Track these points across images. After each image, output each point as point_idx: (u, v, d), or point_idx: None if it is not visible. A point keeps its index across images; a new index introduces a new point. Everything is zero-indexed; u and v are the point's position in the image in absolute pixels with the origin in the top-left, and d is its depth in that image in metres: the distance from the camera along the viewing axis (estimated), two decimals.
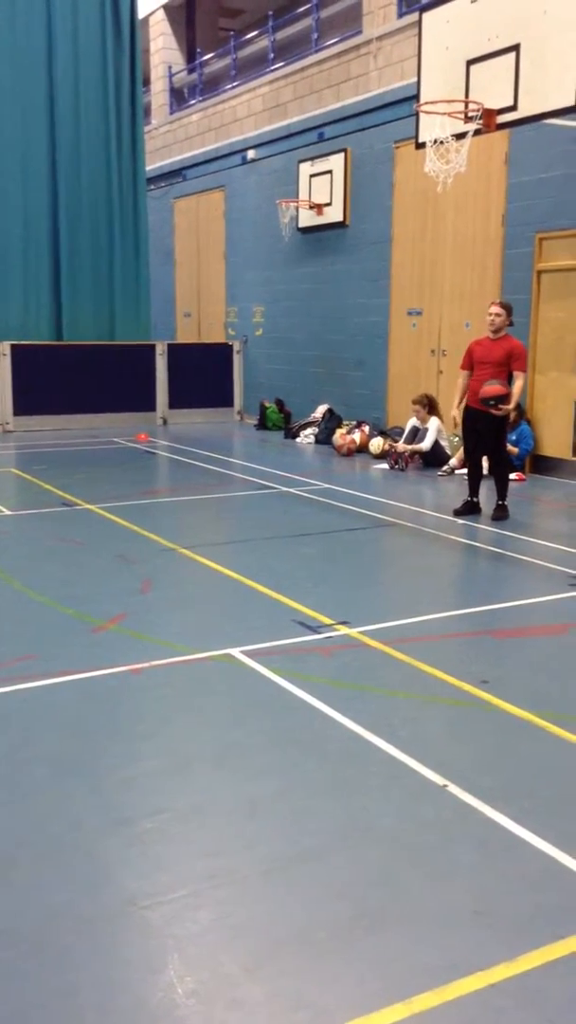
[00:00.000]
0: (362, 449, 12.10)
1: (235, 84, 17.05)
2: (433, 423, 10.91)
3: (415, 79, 9.77)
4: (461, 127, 8.91)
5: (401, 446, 11.03)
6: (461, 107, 8.89)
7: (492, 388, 7.89)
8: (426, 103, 9.21)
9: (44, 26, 15.11)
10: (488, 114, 8.70)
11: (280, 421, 14.96)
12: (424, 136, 9.34)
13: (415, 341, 12.54)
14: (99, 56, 15.62)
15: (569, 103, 8.03)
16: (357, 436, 12.26)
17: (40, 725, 3.99)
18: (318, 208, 13.98)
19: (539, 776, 3.57)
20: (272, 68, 15.86)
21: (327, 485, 9.81)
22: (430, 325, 12.25)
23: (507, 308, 8.13)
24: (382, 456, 11.40)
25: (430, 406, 10.96)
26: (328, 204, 13.80)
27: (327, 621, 5.35)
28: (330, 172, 13.68)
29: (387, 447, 11.34)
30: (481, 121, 8.74)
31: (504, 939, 2.60)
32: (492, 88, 8.64)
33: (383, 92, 12.66)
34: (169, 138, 19.27)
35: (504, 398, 7.92)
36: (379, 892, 2.83)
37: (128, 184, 16.21)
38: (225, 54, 18.51)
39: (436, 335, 12.15)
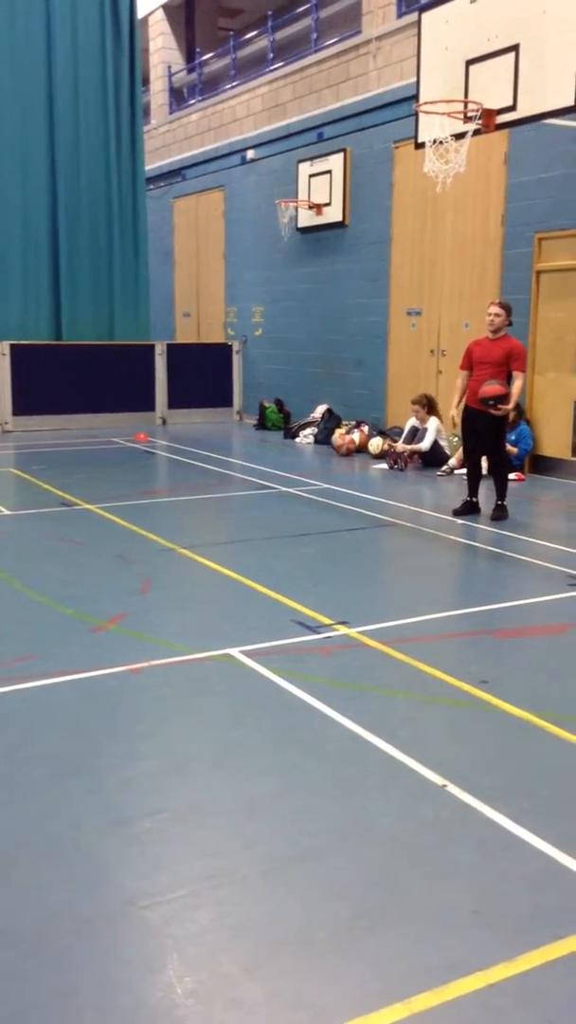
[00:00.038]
0: (361, 449, 12.10)
1: (234, 84, 17.05)
2: (432, 423, 10.91)
3: (414, 79, 9.77)
4: (460, 127, 8.92)
5: (400, 446, 11.03)
6: (460, 107, 8.89)
7: (491, 388, 7.90)
8: (425, 103, 9.21)
9: (43, 26, 15.11)
10: (487, 114, 8.71)
11: (279, 421, 14.96)
12: (423, 136, 9.34)
13: (414, 341, 12.54)
14: (98, 56, 15.62)
15: (568, 103, 8.03)
16: (356, 436, 12.26)
17: (39, 725, 3.99)
18: (317, 208, 13.98)
19: (538, 776, 3.57)
20: (271, 68, 15.86)
21: (326, 485, 9.81)
22: (429, 325, 12.25)
23: (506, 308, 8.13)
24: (381, 456, 11.40)
25: (429, 406, 10.96)
26: (327, 204, 13.80)
27: (326, 621, 5.35)
28: (329, 172, 13.69)
29: (386, 447, 11.34)
30: (480, 121, 8.74)
31: (503, 939, 2.60)
32: (491, 88, 8.64)
33: (382, 92, 12.67)
34: (168, 138, 19.27)
35: (503, 398, 7.92)
36: (378, 892, 2.83)
37: (127, 184, 16.21)
38: (224, 54, 18.51)
39: (435, 335, 12.15)
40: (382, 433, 12.09)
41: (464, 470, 8.90)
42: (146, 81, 19.95)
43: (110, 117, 15.80)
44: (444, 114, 8.91)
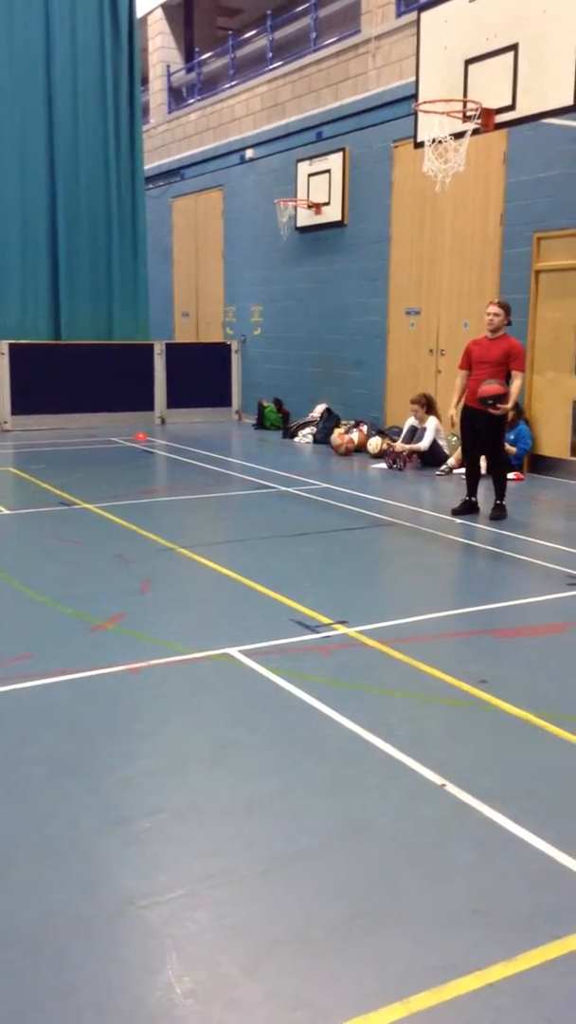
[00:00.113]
0: (360, 449, 12.10)
1: (233, 83, 17.04)
2: (431, 423, 10.91)
3: (413, 78, 9.76)
4: (459, 126, 8.91)
5: (399, 445, 11.03)
6: (459, 106, 8.89)
7: (490, 388, 7.90)
8: (424, 102, 9.20)
9: (42, 25, 15.11)
10: (486, 113, 8.70)
11: (278, 421, 14.96)
12: (422, 135, 9.34)
13: (413, 341, 12.54)
14: (97, 55, 15.61)
15: (567, 103, 8.03)
16: (355, 436, 12.27)
17: (38, 724, 3.99)
18: (316, 207, 13.98)
19: (537, 776, 3.57)
20: (270, 67, 15.85)
21: (325, 484, 9.81)
22: (428, 325, 12.25)
23: (505, 308, 8.13)
24: (380, 455, 11.40)
25: (428, 406, 10.96)
26: (326, 203, 13.80)
27: (325, 620, 5.35)
28: (328, 171, 13.68)
29: (385, 446, 11.34)
30: (479, 120, 8.74)
31: (502, 939, 2.60)
32: (490, 88, 8.64)
33: (381, 91, 12.66)
34: (167, 137, 19.26)
35: (502, 397, 7.92)
36: (377, 892, 2.83)
37: (126, 183, 16.20)
38: (223, 53, 18.50)
39: (434, 335, 12.15)
40: (381, 433, 12.09)
41: (463, 469, 8.90)
42: (145, 80, 19.93)
43: (109, 116, 15.79)
44: (443, 113, 8.91)
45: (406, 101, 11.11)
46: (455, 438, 10.06)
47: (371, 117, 12.88)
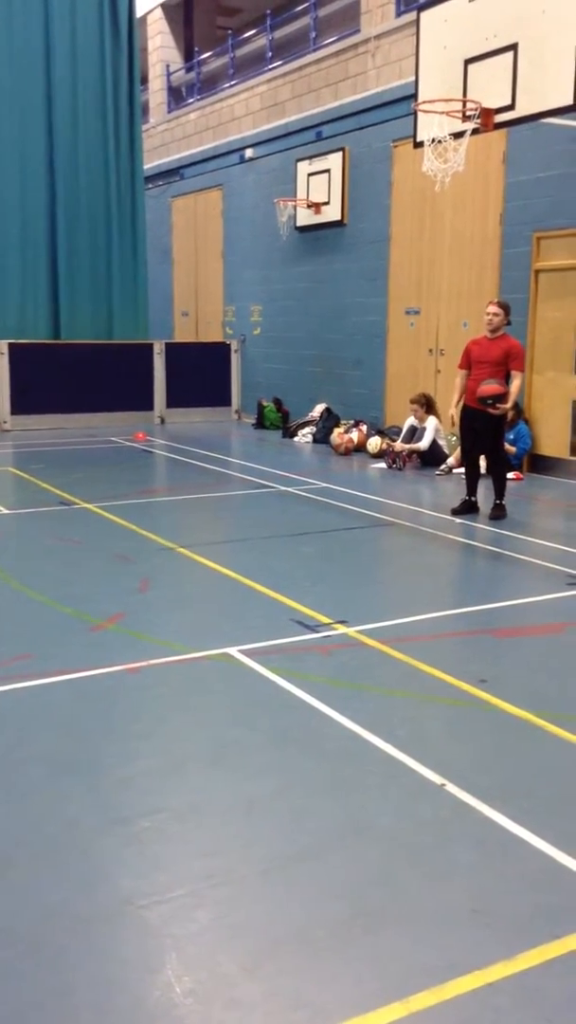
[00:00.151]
0: (360, 448, 12.10)
1: (233, 83, 17.04)
2: (431, 422, 10.91)
3: (413, 78, 9.76)
4: (459, 126, 8.91)
5: (399, 445, 11.03)
6: (459, 106, 8.88)
7: (489, 387, 7.90)
8: (424, 102, 9.20)
9: (42, 25, 15.10)
10: (486, 113, 8.70)
11: (278, 420, 14.96)
12: (422, 135, 9.34)
13: (413, 340, 12.54)
14: (97, 55, 15.61)
15: (567, 102, 8.03)
16: (355, 435, 12.26)
17: (37, 724, 3.98)
18: (316, 207, 13.98)
19: (537, 775, 3.56)
20: (270, 67, 15.85)
21: (325, 484, 9.81)
22: (428, 324, 12.25)
23: (505, 307, 8.13)
24: (380, 455, 11.40)
25: (428, 405, 10.96)
26: (326, 203, 13.80)
27: (325, 620, 5.35)
28: (328, 171, 13.68)
29: (385, 446, 11.34)
30: (479, 120, 8.73)
31: (502, 938, 2.60)
32: (490, 87, 8.64)
33: (381, 91, 12.66)
34: (167, 137, 19.25)
35: (501, 397, 7.92)
36: (377, 891, 2.83)
37: (126, 183, 16.20)
38: (223, 53, 18.49)
39: (434, 334, 12.15)
40: (380, 432, 12.09)
41: (462, 469, 8.90)
42: (144, 80, 19.93)
43: (109, 116, 15.79)
44: (443, 113, 8.91)
45: (406, 101, 11.11)
46: (455, 438, 10.06)
47: (371, 117, 12.88)
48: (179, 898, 2.78)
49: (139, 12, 17.32)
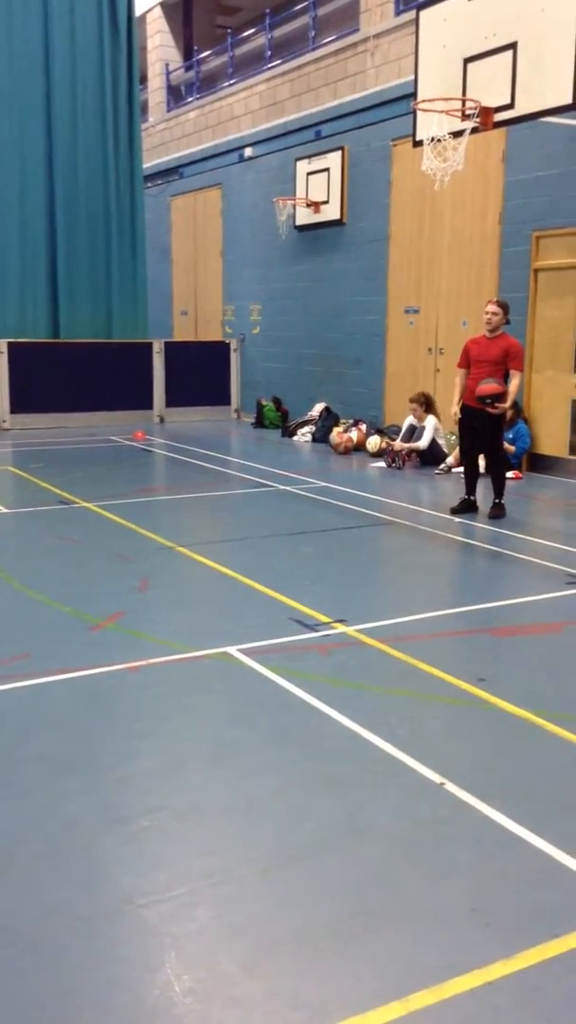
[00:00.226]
0: (359, 447, 12.11)
1: (232, 82, 17.03)
2: (430, 421, 10.91)
3: (412, 77, 9.76)
4: (458, 125, 8.91)
5: (398, 444, 11.03)
6: (458, 105, 8.89)
7: (488, 387, 7.90)
8: (423, 101, 9.20)
9: (41, 24, 15.09)
10: (485, 112, 8.70)
11: (277, 419, 14.96)
12: (421, 134, 9.34)
13: (412, 339, 12.54)
14: (96, 54, 15.60)
15: (566, 101, 8.03)
16: (354, 434, 12.27)
17: (37, 723, 3.99)
18: (315, 206, 13.98)
19: (536, 774, 3.57)
20: (269, 66, 15.84)
21: (324, 483, 9.81)
22: (427, 323, 12.25)
23: (504, 306, 8.13)
24: (379, 454, 11.40)
25: (427, 404, 10.96)
26: (325, 202, 13.80)
27: (324, 619, 5.35)
28: (327, 170, 13.68)
29: (384, 445, 11.34)
30: (478, 119, 8.73)
31: (501, 937, 2.61)
32: (489, 86, 8.64)
33: (380, 90, 12.66)
34: (166, 136, 19.25)
35: (500, 397, 7.92)
36: (376, 890, 2.83)
37: (125, 182, 16.19)
38: (222, 52, 18.49)
39: (433, 333, 12.15)
40: (380, 431, 12.09)
41: (461, 468, 8.90)
42: (144, 79, 19.93)
43: (108, 115, 15.78)
44: (442, 112, 8.91)
45: (405, 100, 11.11)
46: (454, 437, 10.05)
47: (370, 116, 12.88)
48: (179, 897, 2.79)
49: (138, 11, 17.31)
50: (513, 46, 8.40)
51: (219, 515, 8.65)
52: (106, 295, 16.13)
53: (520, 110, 8.49)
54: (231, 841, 3.09)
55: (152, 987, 2.42)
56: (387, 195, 12.71)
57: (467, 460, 8.49)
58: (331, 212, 13.72)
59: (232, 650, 4.84)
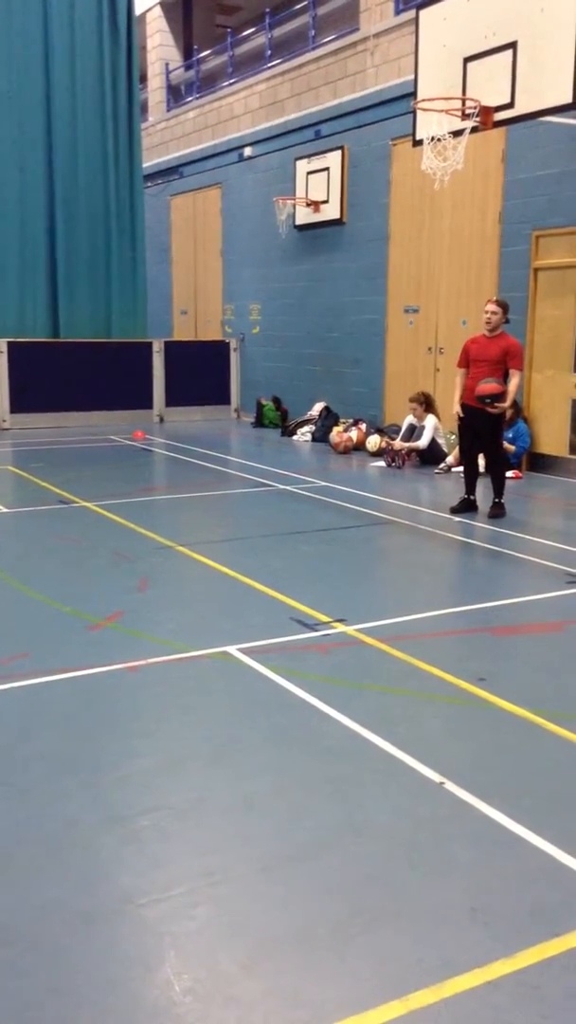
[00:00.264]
0: (359, 447, 12.11)
1: (232, 81, 17.03)
2: (430, 421, 10.91)
3: (412, 76, 9.77)
4: (458, 124, 8.92)
5: (398, 444, 11.03)
6: (458, 104, 8.89)
7: (488, 386, 7.90)
8: (423, 100, 9.20)
9: (41, 23, 15.09)
10: (485, 111, 8.70)
11: (277, 419, 14.96)
12: (421, 133, 9.34)
13: (412, 339, 12.54)
14: (96, 53, 15.60)
15: (566, 100, 8.04)
16: (354, 434, 12.26)
17: (36, 723, 3.98)
18: (315, 205, 13.97)
19: (536, 773, 3.57)
20: (269, 65, 15.84)
21: (324, 483, 9.81)
22: (427, 323, 12.25)
23: (503, 306, 8.12)
24: (379, 454, 11.40)
25: (427, 404, 10.96)
26: (325, 201, 13.80)
27: (324, 619, 5.35)
28: (327, 169, 13.68)
29: (384, 445, 11.34)
30: (478, 118, 8.74)
31: (501, 936, 2.61)
32: (489, 85, 8.64)
33: (380, 89, 12.65)
34: (166, 135, 19.24)
35: (500, 396, 7.92)
36: (376, 890, 2.83)
37: (125, 181, 16.19)
38: (222, 51, 18.49)
39: (433, 333, 12.15)
40: (380, 431, 12.09)
41: (461, 468, 8.90)
42: (144, 78, 19.92)
43: (107, 114, 15.78)
44: (442, 111, 8.91)
45: (405, 99, 11.11)
46: (453, 436, 10.05)
47: (370, 115, 12.88)
48: (178, 896, 2.78)
49: (138, 10, 17.31)
50: (513, 45, 8.41)
51: (219, 514, 8.65)
52: (106, 295, 16.13)
53: (520, 109, 8.50)
54: (231, 840, 3.09)
55: (151, 986, 2.42)
56: (387, 195, 12.71)
57: (467, 459, 8.48)
58: (331, 212, 13.72)
59: (232, 649, 4.84)
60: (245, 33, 18.83)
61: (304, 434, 13.53)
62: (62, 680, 4.44)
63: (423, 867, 2.94)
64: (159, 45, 20.36)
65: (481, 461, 8.53)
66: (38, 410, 14.80)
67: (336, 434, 12.35)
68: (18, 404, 14.68)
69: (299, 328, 14.92)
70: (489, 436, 8.19)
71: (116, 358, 15.50)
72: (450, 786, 3.42)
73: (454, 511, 8.30)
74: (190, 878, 2.88)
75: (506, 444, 9.67)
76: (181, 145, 18.50)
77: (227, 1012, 2.32)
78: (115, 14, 15.79)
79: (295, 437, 13.62)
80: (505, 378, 7.99)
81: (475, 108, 8.70)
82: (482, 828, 3.16)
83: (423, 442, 10.86)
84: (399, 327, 12.76)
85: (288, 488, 9.52)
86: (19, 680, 4.42)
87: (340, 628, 5.20)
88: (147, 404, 15.76)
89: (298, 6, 16.59)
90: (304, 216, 14.27)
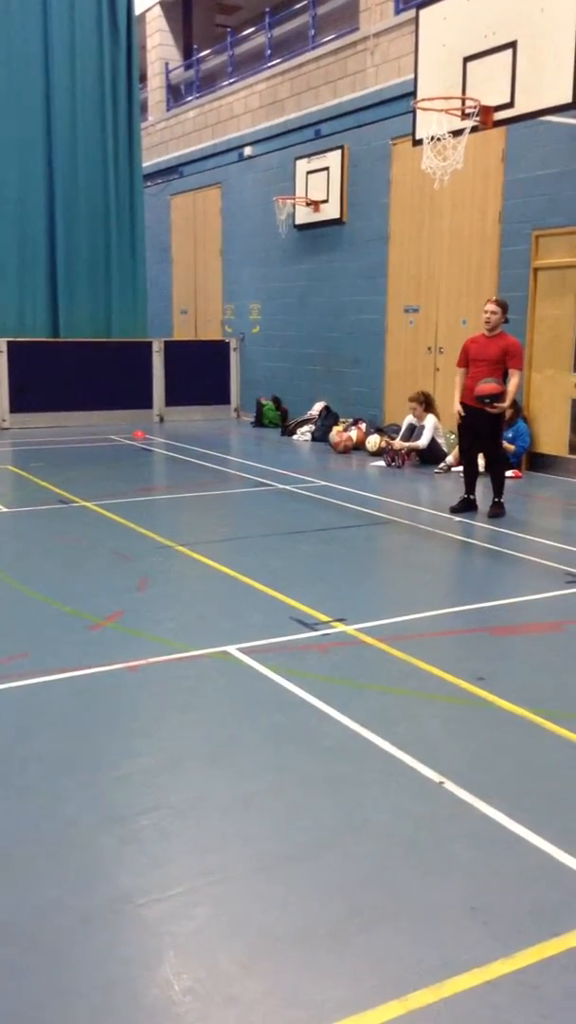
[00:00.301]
0: (359, 446, 12.11)
1: (232, 81, 17.03)
2: (430, 420, 10.91)
3: (412, 76, 9.77)
4: (458, 124, 8.92)
5: (398, 443, 11.03)
6: (458, 104, 8.89)
7: (487, 386, 7.90)
8: (423, 100, 9.20)
9: (40, 23, 15.09)
10: (485, 111, 8.70)
11: (276, 418, 14.96)
12: (421, 133, 9.34)
13: (412, 338, 12.54)
14: (96, 53, 15.60)
15: (566, 100, 8.04)
16: (354, 433, 12.26)
17: (36, 722, 3.98)
18: (315, 205, 13.97)
19: (535, 773, 3.57)
20: (269, 65, 15.83)
21: (324, 482, 9.81)
22: (427, 322, 12.25)
23: (503, 305, 8.12)
24: (379, 453, 11.40)
25: (427, 403, 10.96)
26: (325, 201, 13.80)
27: (324, 618, 5.35)
28: (327, 169, 13.68)
29: (384, 444, 11.34)
30: (478, 118, 8.74)
31: (500, 936, 2.60)
32: (489, 85, 8.64)
33: (380, 89, 12.65)
34: (166, 135, 19.24)
35: (499, 396, 7.92)
36: (375, 889, 2.83)
37: (124, 181, 16.19)
38: (222, 50, 18.48)
39: (433, 332, 12.15)
40: (379, 430, 12.09)
41: (461, 467, 8.90)
42: (143, 78, 19.92)
43: (107, 114, 15.78)
44: (442, 111, 8.91)
45: (404, 98, 11.11)
46: (453, 436, 10.05)
47: (369, 115, 12.87)
48: (177, 896, 2.78)
49: (138, 10, 17.31)
50: (513, 45, 8.41)
51: (218, 514, 8.65)
52: (106, 294, 16.13)
53: (520, 109, 8.50)
54: (230, 840, 3.09)
55: (151, 986, 2.42)
56: (387, 194, 12.71)
57: (466, 459, 8.48)
58: (331, 211, 13.72)
59: (231, 649, 4.84)
60: (245, 33, 18.82)
61: (304, 434, 13.53)
62: (61, 680, 4.44)
63: (423, 867, 2.94)
64: (159, 45, 20.36)
65: (481, 461, 8.53)
66: (38, 410, 14.80)
67: (336, 434, 12.36)
68: (18, 404, 14.68)
69: (299, 328, 14.92)
70: (489, 436, 8.19)
71: (116, 358, 15.50)
72: (450, 785, 3.42)
73: (454, 511, 8.30)
74: (189, 878, 2.88)
75: (506, 444, 9.67)
76: (181, 145, 18.50)
77: (226, 1012, 2.32)
78: (115, 14, 15.79)
79: (295, 437, 13.62)
80: (504, 378, 7.99)
81: (475, 108, 8.70)
82: (482, 828, 3.16)
83: (423, 442, 10.86)
84: (399, 327, 12.76)
85: (288, 488, 9.52)
86: (18, 680, 4.42)
87: (340, 628, 5.20)
88: (147, 404, 15.76)
89: (298, 6, 16.59)
90: (304, 216, 14.27)
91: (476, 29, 8.73)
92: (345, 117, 13.39)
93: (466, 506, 8.34)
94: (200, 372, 16.34)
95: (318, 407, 13.80)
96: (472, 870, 2.92)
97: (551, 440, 10.59)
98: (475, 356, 8.11)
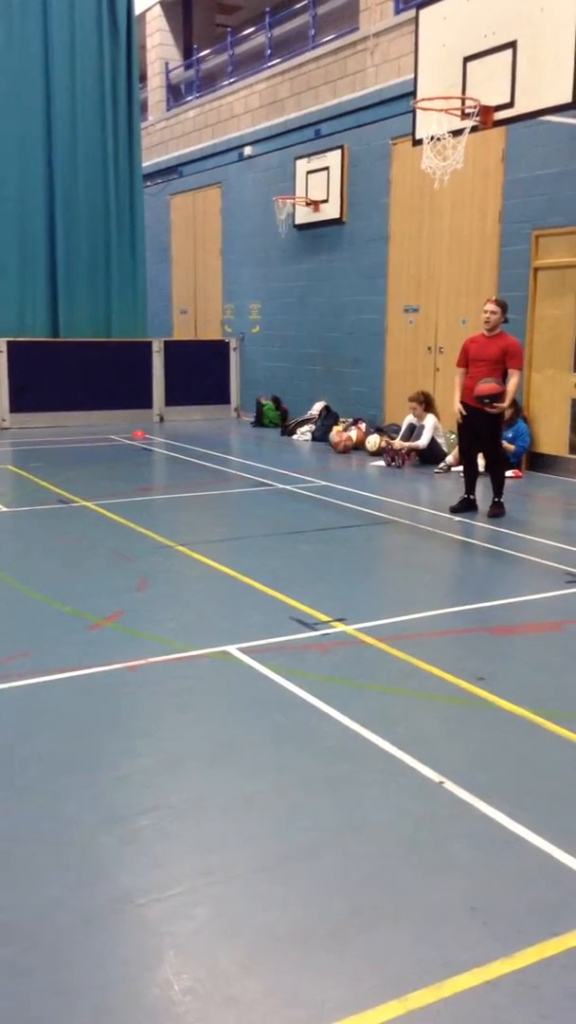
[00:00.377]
0: (359, 446, 12.11)
1: (232, 80, 17.02)
2: (430, 420, 10.91)
3: (412, 76, 9.77)
4: (458, 124, 8.92)
5: (398, 443, 11.03)
6: (458, 104, 8.89)
7: (487, 386, 7.90)
8: (423, 100, 9.20)
9: (40, 23, 15.09)
10: (485, 111, 8.70)
11: (276, 418, 14.96)
12: (421, 133, 9.34)
13: (412, 338, 12.54)
14: (95, 52, 15.60)
15: (566, 100, 8.04)
16: (353, 433, 12.27)
17: (36, 722, 3.98)
18: (315, 205, 13.97)
19: (535, 773, 3.57)
20: (269, 64, 15.83)
21: (324, 482, 9.81)
22: (427, 322, 12.25)
23: (502, 305, 8.12)
24: (378, 453, 11.40)
25: (427, 403, 10.96)
26: (325, 201, 13.80)
27: (323, 618, 5.35)
28: (327, 169, 13.68)
29: (383, 444, 11.34)
30: (478, 118, 8.74)
31: (500, 936, 2.61)
32: (489, 85, 8.64)
33: (380, 89, 12.65)
34: (166, 134, 19.24)
35: (499, 396, 7.92)
36: (375, 889, 2.83)
37: (124, 180, 16.19)
38: (222, 50, 18.48)
39: (433, 332, 12.15)
40: (379, 430, 12.09)
41: (461, 467, 8.90)
42: (143, 77, 19.92)
43: (107, 113, 15.78)
44: (442, 111, 8.91)
45: (404, 98, 11.11)
46: (453, 436, 10.05)
47: (369, 114, 12.87)
48: (177, 896, 2.78)
49: (138, 9, 17.31)
50: (513, 45, 8.41)
51: (218, 514, 8.65)
52: (105, 294, 16.13)
53: (519, 109, 8.50)
54: (230, 839, 3.09)
55: (151, 985, 2.42)
56: (387, 194, 12.71)
57: (466, 459, 8.48)
58: (331, 211, 13.72)
59: (231, 649, 4.84)
60: (245, 32, 18.82)
61: (304, 433, 13.53)
62: (61, 680, 4.44)
63: (423, 867, 2.95)
64: (159, 44, 20.36)
65: (481, 461, 8.53)
66: (38, 409, 14.81)
67: (336, 433, 12.36)
68: (18, 403, 14.68)
69: (299, 328, 14.92)
70: (488, 436, 8.19)
71: (116, 358, 15.50)
72: (449, 785, 3.42)
73: (454, 511, 8.30)
74: (189, 878, 2.88)
75: (506, 444, 9.68)
76: (181, 144, 18.50)
77: (226, 1012, 2.32)
78: (115, 13, 15.79)
79: (295, 436, 13.63)
80: (504, 378, 7.99)
81: (475, 107, 8.70)
82: (482, 827, 3.16)
83: (423, 441, 10.86)
84: (399, 327, 12.76)
85: (288, 487, 9.52)
86: (18, 680, 4.42)
87: (340, 627, 5.20)
88: (147, 403, 15.76)
89: (298, 6, 16.59)
90: (304, 215, 14.27)
91: (476, 29, 8.73)
92: (345, 117, 13.39)
93: (466, 506, 8.34)
94: (200, 372, 16.34)
95: (318, 407, 13.80)
96: (472, 870, 2.92)
97: (551, 440, 10.60)
98: (475, 356, 8.11)
